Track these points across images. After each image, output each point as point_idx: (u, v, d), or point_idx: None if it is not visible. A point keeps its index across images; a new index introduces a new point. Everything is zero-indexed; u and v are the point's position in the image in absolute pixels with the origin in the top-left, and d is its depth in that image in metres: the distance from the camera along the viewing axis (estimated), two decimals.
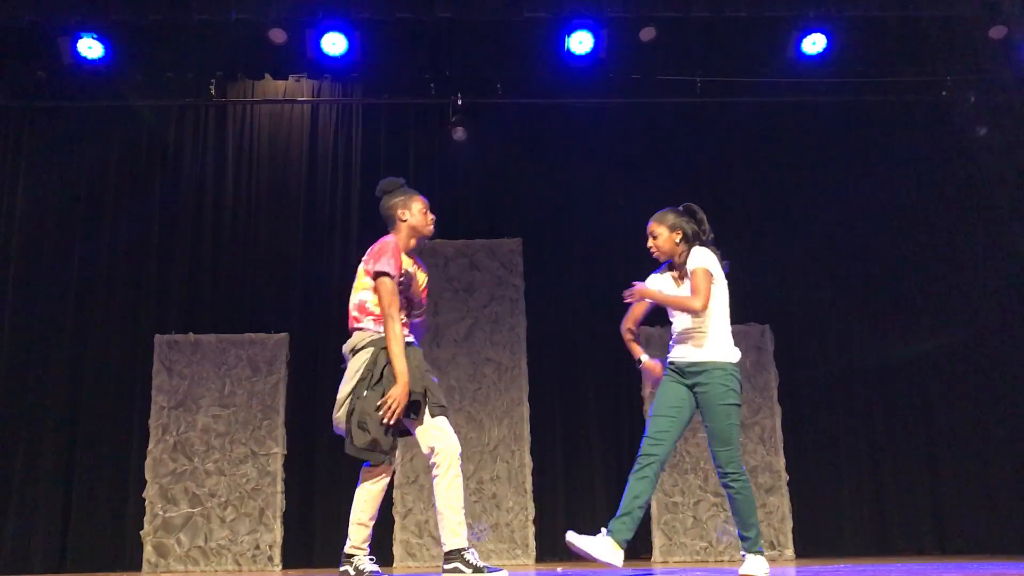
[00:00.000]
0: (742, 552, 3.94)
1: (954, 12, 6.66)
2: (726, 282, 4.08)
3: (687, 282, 4.03)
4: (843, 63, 7.20)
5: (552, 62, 7.15)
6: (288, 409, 6.95)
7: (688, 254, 4.03)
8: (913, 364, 7.48)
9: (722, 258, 4.08)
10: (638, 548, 7.09)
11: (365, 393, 3.65)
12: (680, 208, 4.16)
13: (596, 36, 6.84)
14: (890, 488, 7.30)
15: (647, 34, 6.91)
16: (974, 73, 7.27)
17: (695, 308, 3.91)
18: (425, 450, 3.74)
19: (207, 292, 7.41)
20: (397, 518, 6.73)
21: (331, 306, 7.42)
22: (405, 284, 3.82)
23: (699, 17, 6.65)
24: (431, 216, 3.95)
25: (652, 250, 4.14)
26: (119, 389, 7.13)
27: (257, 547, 6.64)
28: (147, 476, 6.71)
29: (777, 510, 6.84)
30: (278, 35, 6.80)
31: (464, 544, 3.67)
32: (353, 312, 3.82)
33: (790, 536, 6.78)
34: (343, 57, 6.94)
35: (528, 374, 7.03)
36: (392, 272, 3.70)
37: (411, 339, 3.84)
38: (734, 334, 7.07)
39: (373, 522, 3.85)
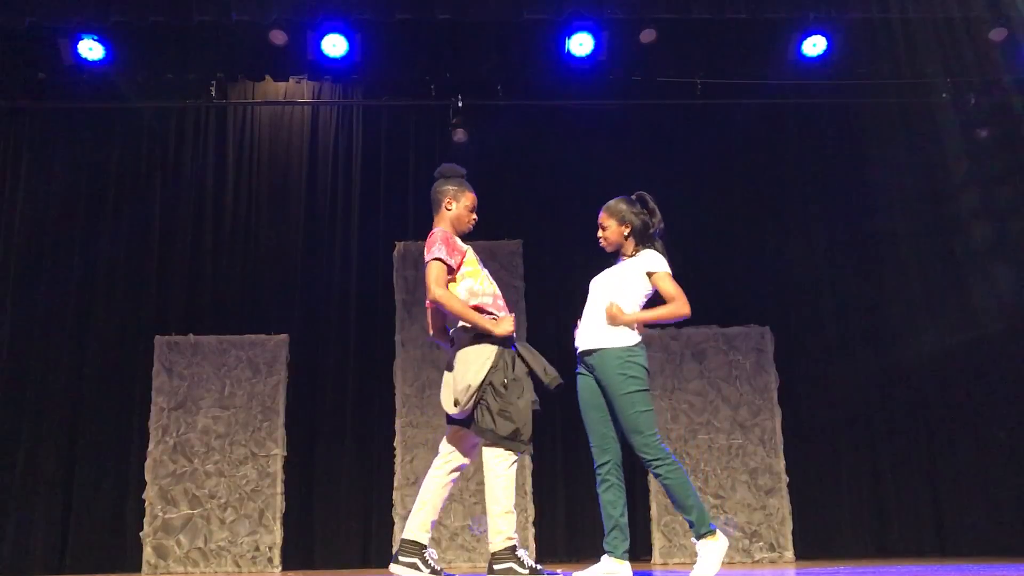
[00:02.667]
0: (693, 539, 3.77)
1: (954, 14, 6.66)
2: None
3: (623, 266, 3.98)
4: (843, 65, 7.20)
5: (552, 64, 7.15)
6: (288, 410, 6.95)
7: (636, 252, 3.97)
8: (913, 364, 7.48)
9: (667, 255, 3.99)
10: (638, 550, 7.09)
11: (504, 385, 3.66)
12: (632, 197, 4.07)
13: (596, 38, 6.84)
14: (890, 490, 7.29)
15: (647, 36, 6.91)
16: (974, 75, 7.26)
17: (685, 313, 3.86)
18: (468, 455, 3.82)
19: (207, 293, 7.41)
20: (397, 520, 6.72)
21: (331, 308, 7.44)
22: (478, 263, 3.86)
23: (699, 19, 6.66)
24: (474, 216, 3.98)
25: (601, 241, 4.08)
26: (119, 390, 7.13)
27: (257, 548, 6.64)
28: (147, 477, 6.71)
29: (777, 512, 6.83)
30: (278, 37, 6.80)
31: (425, 542, 3.75)
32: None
33: (790, 538, 6.78)
34: (343, 59, 6.94)
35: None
36: (442, 257, 3.73)
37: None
38: (734, 336, 7.19)
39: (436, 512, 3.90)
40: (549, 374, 3.78)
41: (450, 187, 3.94)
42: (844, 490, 7.28)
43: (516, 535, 3.72)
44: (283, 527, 6.73)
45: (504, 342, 3.76)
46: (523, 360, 3.79)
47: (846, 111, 7.74)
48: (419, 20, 6.66)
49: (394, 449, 6.86)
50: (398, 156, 7.72)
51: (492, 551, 3.71)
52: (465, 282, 3.81)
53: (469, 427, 3.74)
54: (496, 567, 3.66)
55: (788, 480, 6.91)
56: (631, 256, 4.00)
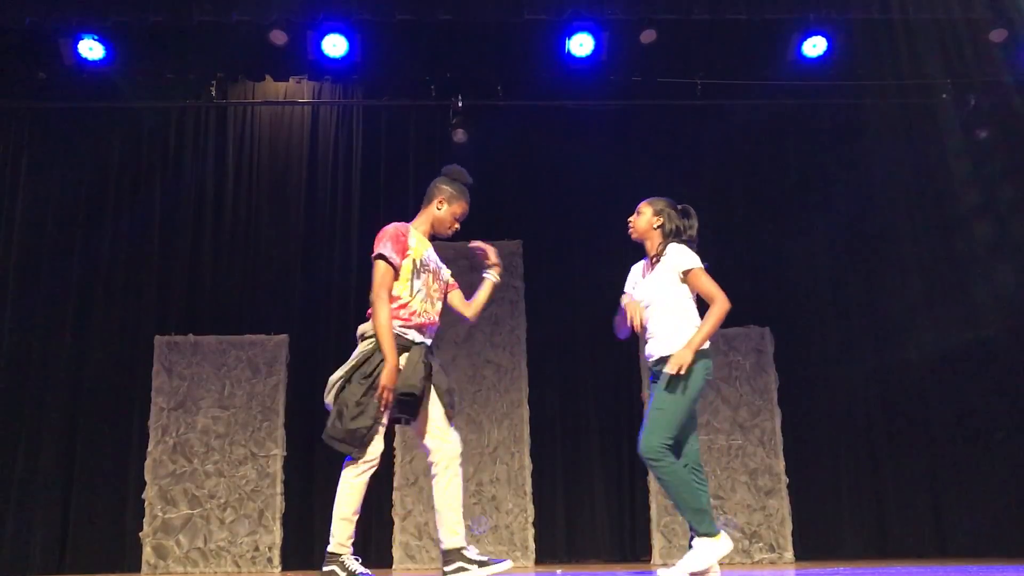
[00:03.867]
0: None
1: (955, 15, 6.65)
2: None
3: (657, 271, 3.96)
4: (843, 66, 7.20)
5: (552, 64, 7.15)
6: (287, 411, 6.96)
7: (664, 248, 3.95)
8: (913, 365, 7.48)
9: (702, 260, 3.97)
10: (637, 551, 7.10)
11: (349, 382, 3.61)
12: (679, 206, 4.08)
13: (596, 38, 6.84)
14: (890, 491, 7.29)
15: (648, 36, 6.91)
16: (975, 76, 7.26)
17: (725, 309, 3.84)
18: (424, 450, 3.73)
19: (207, 293, 7.41)
20: (397, 520, 6.73)
21: (331, 308, 7.44)
22: (428, 270, 3.82)
23: (700, 19, 6.65)
24: (456, 225, 3.95)
25: (629, 223, 4.06)
26: (119, 390, 7.13)
27: (256, 548, 6.64)
28: (146, 477, 6.71)
29: (777, 512, 6.83)
30: (279, 37, 6.80)
31: (463, 543, 3.66)
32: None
33: (790, 539, 6.78)
34: (344, 59, 6.94)
35: (528, 376, 7.03)
36: (388, 255, 3.70)
37: (418, 337, 3.78)
38: (734, 337, 7.19)
39: (357, 517, 3.76)
40: (405, 382, 3.61)
41: (450, 189, 3.92)
42: (844, 491, 7.27)
43: (347, 545, 3.69)
44: (283, 527, 6.73)
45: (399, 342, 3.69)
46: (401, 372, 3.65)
47: (846, 112, 7.74)
48: (419, 20, 6.65)
49: (393, 450, 6.86)
50: (398, 156, 7.72)
51: (327, 549, 3.72)
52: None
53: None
54: (324, 568, 3.68)
55: (788, 481, 6.91)
56: (657, 253, 3.97)
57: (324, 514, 7.00)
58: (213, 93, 7.30)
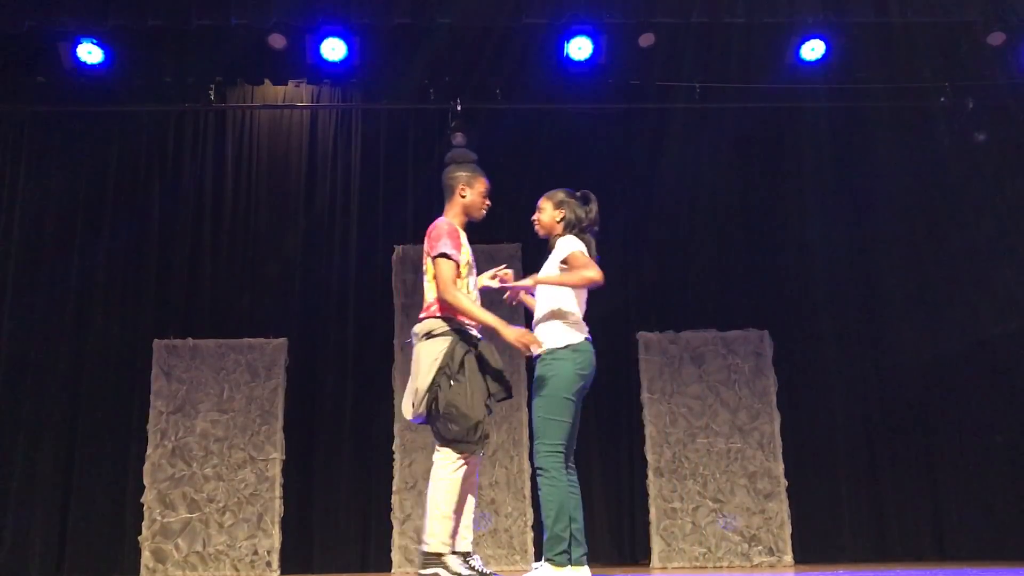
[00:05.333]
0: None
1: (953, 18, 6.67)
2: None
3: (544, 266, 3.93)
4: (842, 69, 7.21)
5: (551, 68, 7.16)
6: (286, 414, 6.95)
7: (560, 238, 3.91)
8: (912, 368, 7.49)
9: (594, 254, 3.91)
10: (636, 554, 7.09)
11: (450, 385, 3.56)
12: (576, 192, 4.03)
13: (595, 42, 6.85)
14: (889, 494, 7.29)
15: (646, 40, 6.92)
16: (973, 79, 7.27)
17: (590, 278, 3.72)
18: (436, 447, 3.70)
19: (206, 297, 7.40)
20: (395, 523, 6.72)
21: (330, 312, 7.44)
22: (473, 271, 3.82)
23: (698, 23, 6.66)
24: (488, 202, 3.94)
25: (535, 223, 4.04)
26: (118, 394, 7.12)
27: (255, 552, 6.63)
28: (145, 481, 6.70)
29: (776, 516, 6.83)
30: (277, 40, 6.81)
31: (447, 551, 3.61)
32: (429, 310, 3.73)
33: (789, 542, 6.78)
34: (342, 62, 6.95)
35: (527, 379, 7.02)
36: (451, 254, 3.68)
37: (476, 333, 3.77)
38: (733, 340, 7.20)
39: (456, 515, 3.67)
40: (498, 384, 3.66)
41: (463, 173, 3.90)
42: (843, 494, 7.27)
43: (451, 542, 3.61)
44: (281, 531, 6.72)
45: (465, 337, 3.68)
46: (482, 360, 3.68)
47: (844, 115, 7.74)
48: (418, 24, 6.66)
49: (392, 453, 6.85)
50: (397, 160, 7.71)
51: (423, 550, 3.61)
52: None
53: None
54: (423, 571, 3.58)
55: (787, 484, 6.90)
56: (553, 244, 3.96)
57: (323, 518, 7.05)
58: (212, 97, 7.30)
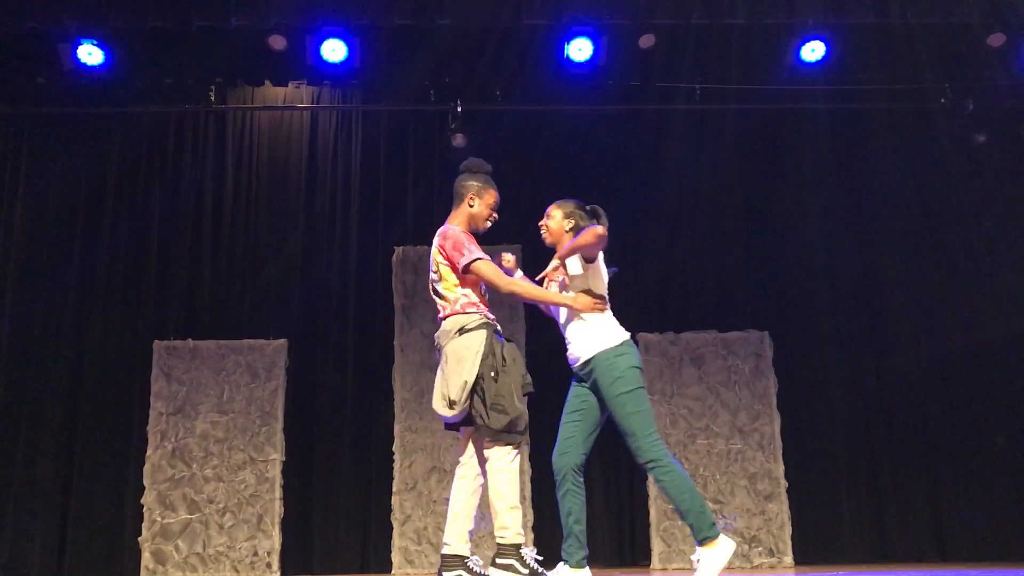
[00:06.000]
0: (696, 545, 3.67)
1: (953, 20, 6.68)
2: (607, 279, 3.94)
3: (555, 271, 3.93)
4: (842, 70, 7.22)
5: (551, 69, 7.16)
6: (287, 415, 6.94)
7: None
8: (912, 369, 7.49)
9: (609, 263, 3.95)
10: (637, 555, 7.09)
11: (495, 378, 3.57)
12: (587, 206, 4.03)
13: (595, 43, 6.85)
14: (889, 495, 7.29)
15: (646, 41, 6.92)
16: (973, 81, 7.28)
17: (601, 233, 3.72)
18: (476, 448, 3.71)
19: (206, 298, 7.40)
20: (396, 524, 6.72)
21: (330, 312, 7.43)
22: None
23: (698, 24, 6.68)
24: (494, 215, 3.95)
25: (542, 229, 4.05)
26: (118, 395, 7.12)
27: (255, 554, 6.63)
28: (145, 482, 6.70)
29: (776, 517, 6.83)
30: (278, 42, 6.81)
31: (468, 553, 3.64)
32: (455, 307, 3.74)
33: (789, 543, 6.78)
34: (343, 64, 6.95)
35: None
36: (481, 255, 3.71)
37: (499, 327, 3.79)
38: (733, 341, 7.19)
39: (474, 518, 3.74)
40: (525, 379, 3.69)
41: (475, 183, 3.89)
42: (843, 495, 7.27)
43: (523, 533, 3.65)
44: (281, 532, 6.71)
45: (496, 331, 3.72)
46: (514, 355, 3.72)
47: (845, 116, 7.74)
48: (418, 25, 6.67)
49: (393, 454, 6.85)
50: (397, 161, 7.71)
51: (499, 543, 3.62)
52: (465, 290, 3.77)
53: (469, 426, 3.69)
54: (499, 561, 3.58)
55: (787, 485, 6.90)
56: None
57: (323, 519, 7.04)
58: (212, 98, 7.31)
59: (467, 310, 3.72)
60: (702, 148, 7.66)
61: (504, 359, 3.62)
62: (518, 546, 3.58)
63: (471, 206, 3.88)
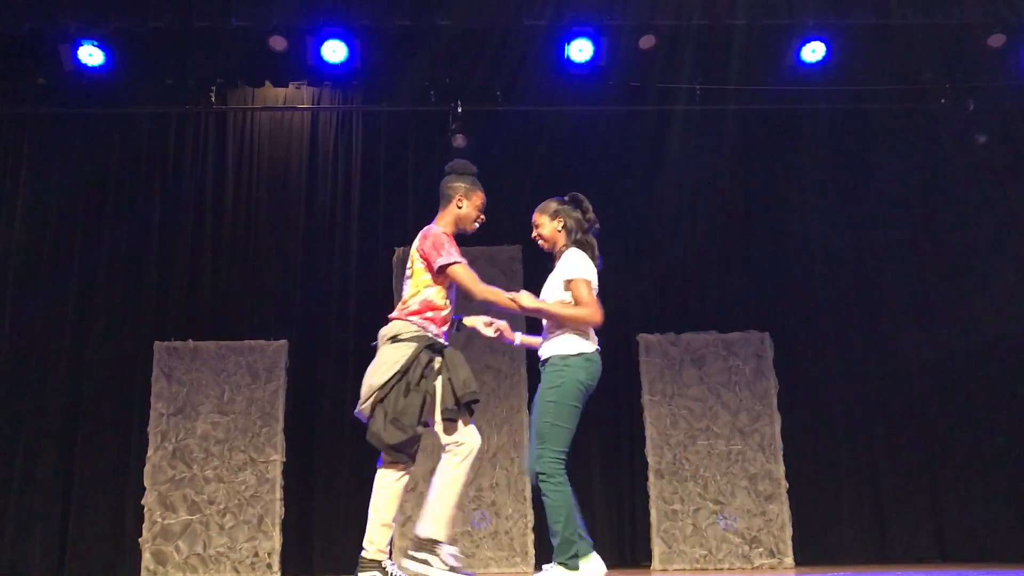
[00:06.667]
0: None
1: (953, 20, 6.67)
2: (596, 279, 3.93)
3: (551, 276, 3.94)
4: (842, 71, 7.21)
5: (552, 70, 7.16)
6: (287, 416, 6.95)
7: (564, 250, 3.91)
8: (913, 370, 7.48)
9: (596, 255, 3.94)
10: (637, 556, 7.08)
11: (405, 395, 3.58)
12: (565, 198, 4.04)
13: (596, 44, 6.85)
14: (890, 496, 7.28)
15: (647, 42, 6.92)
16: (973, 81, 7.27)
17: (587, 318, 3.76)
18: (446, 442, 3.69)
19: (207, 299, 7.40)
20: (396, 526, 6.70)
21: (330, 313, 7.43)
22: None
23: (699, 25, 6.67)
24: (481, 217, 3.96)
25: (538, 240, 4.04)
26: (118, 395, 7.12)
27: (256, 554, 6.63)
28: (146, 483, 6.70)
29: (777, 517, 6.83)
30: (278, 42, 6.81)
31: (442, 538, 3.64)
32: (413, 306, 3.75)
33: (789, 544, 6.77)
34: (343, 64, 6.94)
35: (528, 381, 7.02)
36: (459, 259, 3.73)
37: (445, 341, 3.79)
38: (734, 342, 7.19)
39: (396, 523, 3.76)
40: (467, 387, 3.64)
41: (463, 184, 3.92)
42: (844, 496, 7.27)
43: (387, 551, 3.66)
44: (282, 533, 6.72)
45: (430, 345, 3.69)
46: (451, 365, 3.69)
47: (845, 117, 7.74)
48: (419, 26, 6.67)
49: None
50: (398, 162, 7.72)
51: (361, 556, 3.67)
52: (432, 289, 3.77)
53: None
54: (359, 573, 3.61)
55: (788, 486, 6.90)
56: (558, 253, 3.97)
57: (324, 520, 7.04)
58: (213, 99, 7.32)
59: (409, 318, 3.74)
60: (702, 149, 7.66)
61: (423, 378, 3.60)
62: (379, 563, 3.63)
63: (459, 207, 3.90)
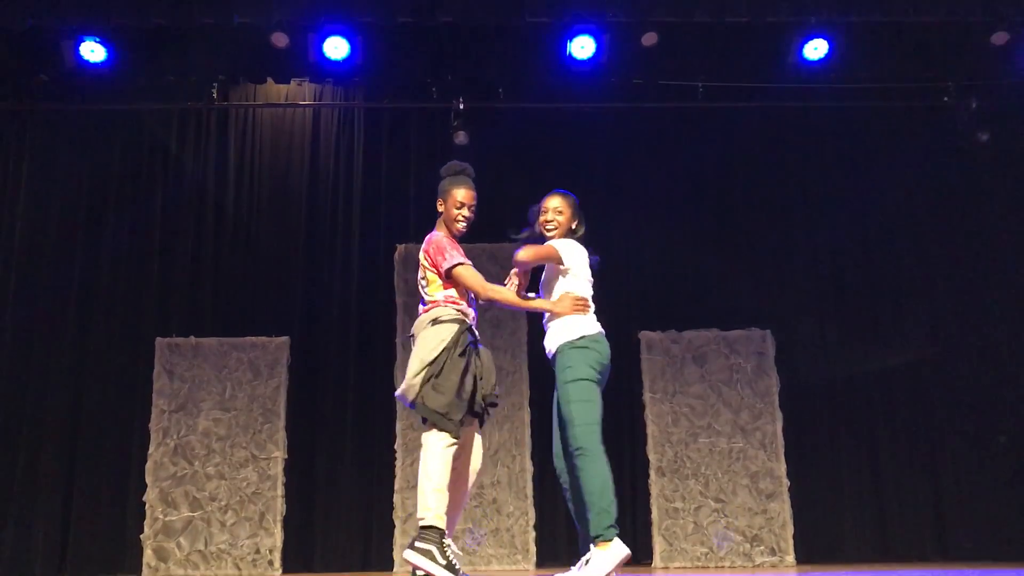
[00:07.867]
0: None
1: (956, 18, 6.66)
2: (590, 275, 4.02)
3: (549, 267, 4.02)
4: (845, 69, 7.19)
5: (554, 67, 7.15)
6: (289, 413, 6.95)
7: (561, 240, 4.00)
8: (914, 370, 7.48)
9: (591, 254, 4.04)
10: (639, 554, 7.08)
11: (454, 366, 3.61)
12: (577, 201, 4.11)
13: (598, 41, 6.84)
14: (892, 494, 7.28)
15: (649, 39, 6.91)
16: (976, 79, 7.26)
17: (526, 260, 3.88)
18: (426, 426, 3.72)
19: (208, 295, 7.41)
20: (397, 523, 6.72)
21: (332, 310, 7.43)
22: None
23: (701, 22, 6.65)
24: (463, 213, 3.91)
25: (552, 224, 4.07)
26: (120, 392, 7.13)
27: (257, 551, 6.64)
28: (147, 480, 6.71)
29: (778, 516, 6.82)
30: (280, 39, 6.80)
31: (439, 523, 3.63)
32: (436, 298, 3.80)
33: (791, 542, 6.77)
34: (345, 61, 6.94)
35: (529, 379, 7.02)
36: (463, 260, 3.76)
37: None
38: (735, 339, 7.19)
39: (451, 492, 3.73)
40: (492, 389, 3.73)
41: (442, 185, 3.95)
42: (845, 494, 7.27)
43: (444, 518, 3.65)
44: (283, 530, 6.72)
45: (469, 329, 3.77)
46: (479, 362, 3.75)
47: (847, 115, 7.73)
48: (421, 23, 6.65)
49: (395, 452, 6.85)
50: (399, 159, 7.72)
51: (420, 524, 3.64)
52: (449, 290, 3.81)
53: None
54: (418, 544, 3.58)
55: (789, 484, 6.90)
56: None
57: (325, 516, 7.04)
58: (214, 95, 7.31)
59: (446, 304, 3.78)
60: (705, 146, 7.65)
61: (465, 354, 3.66)
62: (441, 532, 3.60)
63: (441, 210, 3.94)
